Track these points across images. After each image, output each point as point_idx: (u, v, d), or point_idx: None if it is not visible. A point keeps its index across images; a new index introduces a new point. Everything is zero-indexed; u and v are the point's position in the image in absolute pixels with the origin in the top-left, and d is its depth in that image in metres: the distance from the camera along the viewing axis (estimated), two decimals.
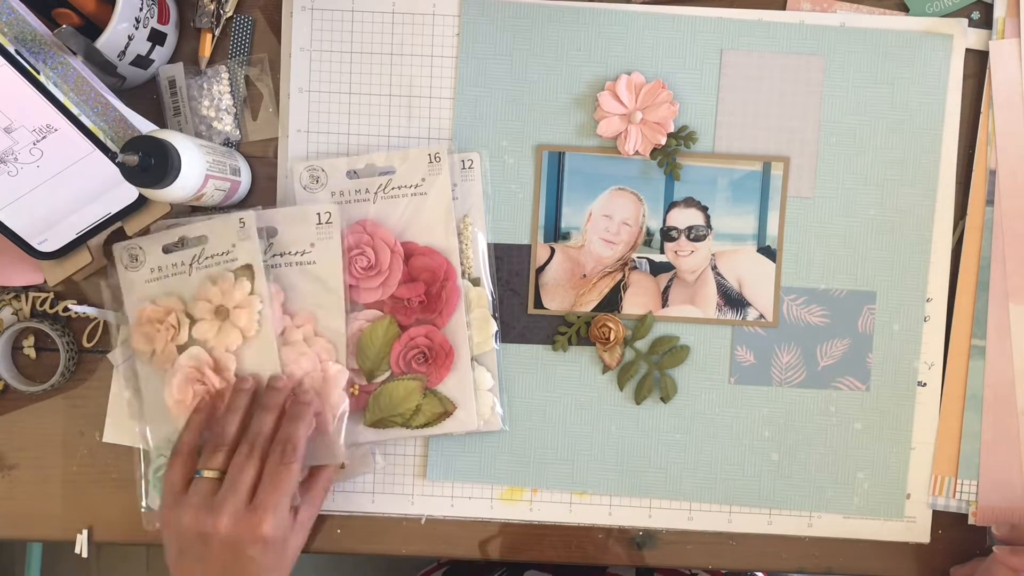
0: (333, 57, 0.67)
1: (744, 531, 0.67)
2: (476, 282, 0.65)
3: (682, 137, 0.65)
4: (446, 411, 0.65)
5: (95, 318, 0.67)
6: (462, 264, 0.65)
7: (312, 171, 0.66)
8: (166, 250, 0.64)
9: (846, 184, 0.66)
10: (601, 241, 0.66)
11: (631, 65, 0.65)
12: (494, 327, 0.65)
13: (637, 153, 0.65)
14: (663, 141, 0.64)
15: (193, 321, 0.63)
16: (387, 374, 0.65)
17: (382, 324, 0.64)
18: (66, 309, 0.66)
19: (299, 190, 0.66)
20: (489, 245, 0.66)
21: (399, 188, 0.65)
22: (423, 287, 0.64)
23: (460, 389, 0.65)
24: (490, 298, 0.65)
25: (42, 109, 0.58)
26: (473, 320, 0.65)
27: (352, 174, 0.66)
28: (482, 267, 0.65)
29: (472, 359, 0.65)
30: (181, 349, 0.63)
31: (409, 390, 0.64)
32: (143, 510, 0.65)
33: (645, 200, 0.66)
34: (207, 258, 0.63)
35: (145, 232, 0.64)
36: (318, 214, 0.64)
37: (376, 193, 0.65)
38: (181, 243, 0.64)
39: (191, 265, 0.63)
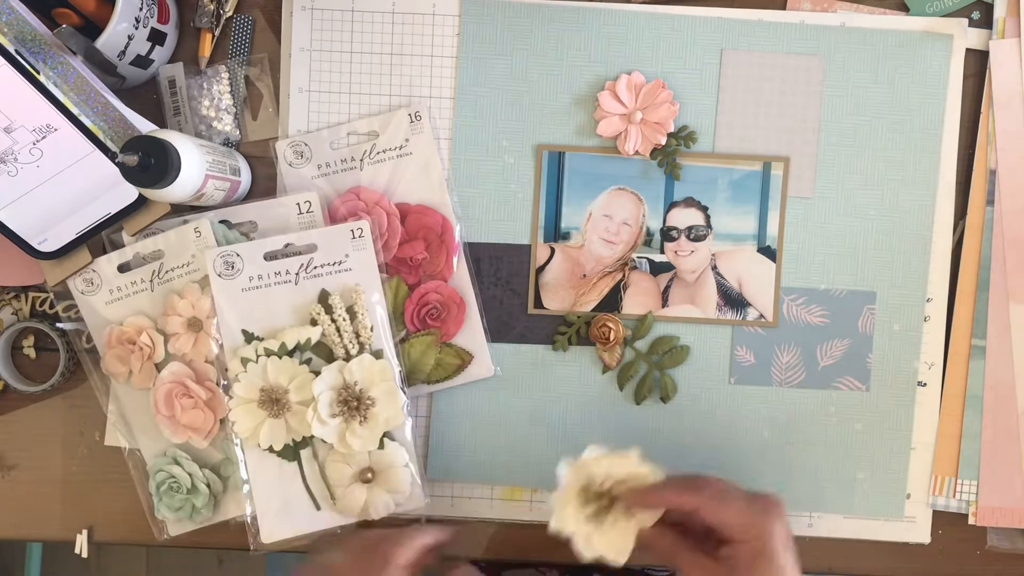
0: (333, 57, 0.67)
1: None
2: (378, 355, 0.63)
3: (682, 137, 0.65)
4: (463, 362, 0.65)
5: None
6: (359, 336, 0.63)
7: (296, 146, 0.66)
8: (121, 269, 0.63)
9: (846, 184, 0.66)
10: (601, 241, 0.66)
11: (631, 65, 0.65)
12: (402, 400, 0.62)
13: (637, 153, 0.65)
14: (663, 141, 0.64)
15: (167, 337, 0.63)
16: (403, 333, 0.65)
17: (391, 286, 0.65)
18: (57, 321, 0.66)
19: (285, 168, 0.66)
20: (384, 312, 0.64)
21: (384, 152, 0.66)
22: (423, 244, 0.65)
23: (472, 339, 0.66)
24: (396, 371, 0.63)
25: (42, 109, 0.58)
26: (380, 395, 0.62)
27: (335, 144, 0.66)
28: (383, 338, 0.63)
29: (384, 435, 0.62)
30: (159, 366, 0.63)
31: (426, 345, 0.65)
32: (155, 520, 0.66)
33: (645, 200, 0.66)
34: (167, 271, 0.63)
35: (143, 231, 0.64)
36: (298, 204, 0.64)
37: (362, 160, 0.66)
38: (136, 261, 0.63)
39: (151, 281, 0.63)
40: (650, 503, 0.55)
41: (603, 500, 0.56)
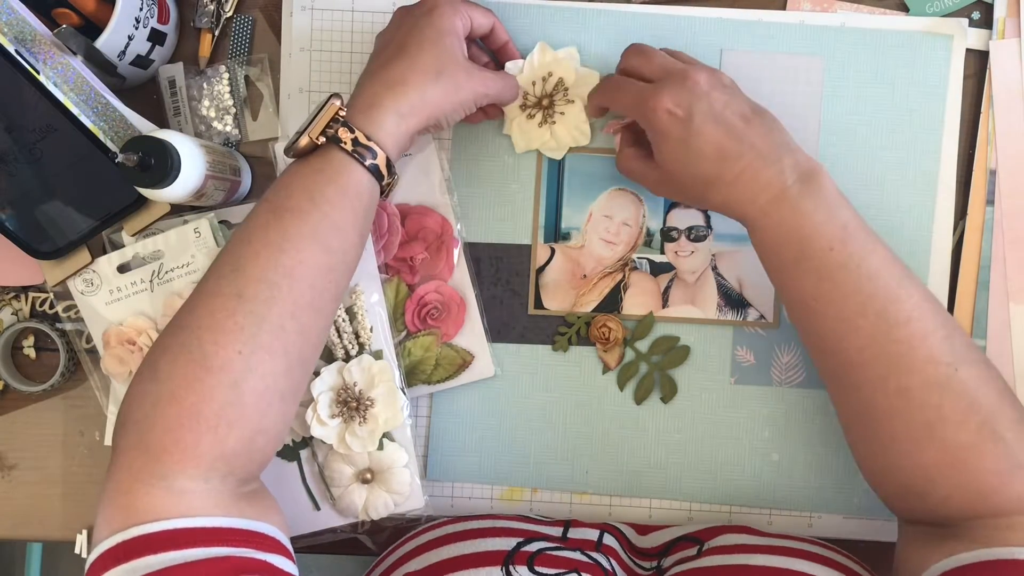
0: (333, 57, 0.67)
1: None
2: (378, 355, 0.63)
3: None
4: (464, 362, 0.65)
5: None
6: (359, 337, 0.63)
7: None
8: (121, 269, 0.63)
9: (846, 184, 0.65)
10: (601, 241, 0.66)
11: None
12: (402, 400, 0.62)
13: None
14: None
15: None
16: (403, 334, 0.65)
17: (391, 286, 0.65)
18: (57, 321, 0.66)
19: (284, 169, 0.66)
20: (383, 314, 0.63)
21: None
22: (423, 244, 0.65)
23: (473, 339, 0.65)
24: (395, 371, 0.63)
25: (42, 109, 0.58)
26: (379, 396, 0.62)
27: None
28: (383, 339, 0.63)
29: (383, 435, 0.62)
30: None
31: (426, 345, 0.65)
32: None
33: (645, 200, 0.66)
34: (167, 272, 0.63)
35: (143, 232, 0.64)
36: None
37: None
38: (136, 261, 0.63)
39: (151, 281, 0.63)
40: (592, 104, 0.63)
41: (544, 103, 0.64)
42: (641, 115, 0.56)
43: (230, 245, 0.53)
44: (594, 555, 0.55)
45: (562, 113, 0.64)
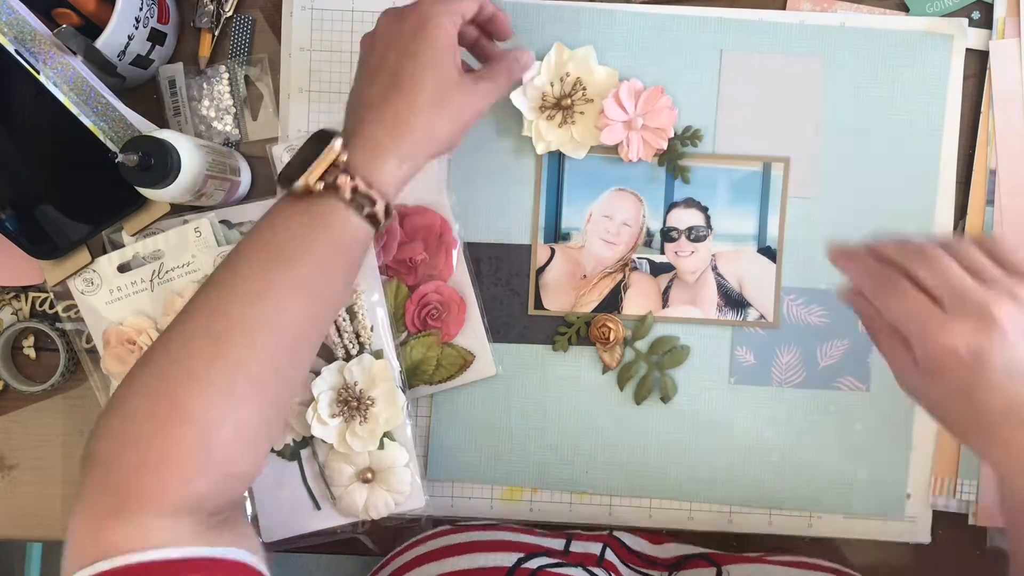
0: (333, 57, 0.67)
1: (744, 531, 0.67)
2: (378, 355, 0.63)
3: (687, 137, 0.65)
4: (466, 361, 0.65)
5: None
6: (359, 336, 0.63)
7: (291, 149, 0.65)
8: (121, 269, 0.63)
9: (846, 184, 0.66)
10: (601, 242, 0.66)
11: (631, 65, 0.65)
12: (402, 400, 0.62)
13: (640, 159, 0.65)
14: (665, 146, 0.64)
15: None
16: (404, 335, 0.65)
17: (391, 287, 0.65)
18: (57, 321, 0.66)
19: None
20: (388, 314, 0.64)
21: None
22: (422, 245, 0.65)
23: (474, 339, 0.65)
24: (396, 371, 0.63)
25: (42, 109, 0.58)
26: (380, 395, 0.62)
27: None
28: (383, 338, 0.63)
29: (384, 435, 0.62)
30: None
31: (427, 346, 0.65)
32: None
33: (645, 201, 0.66)
34: (167, 271, 0.63)
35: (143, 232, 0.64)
36: None
37: None
38: (136, 261, 0.63)
39: (152, 281, 0.63)
40: (846, 267, 0.52)
41: (564, 104, 0.64)
42: (920, 341, 0.47)
43: (215, 283, 0.50)
44: (595, 571, 0.55)
45: (581, 113, 0.64)
